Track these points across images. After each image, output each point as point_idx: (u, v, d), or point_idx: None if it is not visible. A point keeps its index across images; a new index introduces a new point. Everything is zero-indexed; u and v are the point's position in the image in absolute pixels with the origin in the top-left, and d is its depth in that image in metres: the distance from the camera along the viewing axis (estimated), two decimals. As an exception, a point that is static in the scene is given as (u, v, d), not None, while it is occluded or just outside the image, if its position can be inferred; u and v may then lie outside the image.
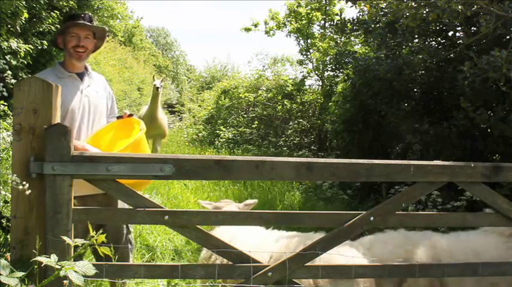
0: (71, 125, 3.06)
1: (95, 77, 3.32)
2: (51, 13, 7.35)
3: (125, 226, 3.36)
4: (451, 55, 5.86)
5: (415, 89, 6.66)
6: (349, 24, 6.87)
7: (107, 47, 15.06)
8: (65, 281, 1.93)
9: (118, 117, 3.35)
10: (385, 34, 6.33)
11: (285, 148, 11.22)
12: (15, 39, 5.74)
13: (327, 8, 12.42)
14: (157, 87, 7.85)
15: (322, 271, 2.43)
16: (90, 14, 3.21)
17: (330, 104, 10.01)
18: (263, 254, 2.69)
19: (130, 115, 3.34)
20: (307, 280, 2.66)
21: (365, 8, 6.42)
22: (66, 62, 3.16)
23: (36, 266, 2.02)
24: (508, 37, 4.99)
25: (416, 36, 6.35)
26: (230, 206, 3.56)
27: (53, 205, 2.16)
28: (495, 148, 5.64)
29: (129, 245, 3.41)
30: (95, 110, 3.23)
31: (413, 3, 4.85)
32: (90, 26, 3.14)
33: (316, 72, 12.45)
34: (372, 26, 6.48)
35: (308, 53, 12.65)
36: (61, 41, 3.13)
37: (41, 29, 7.27)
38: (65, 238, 2.06)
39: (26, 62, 6.41)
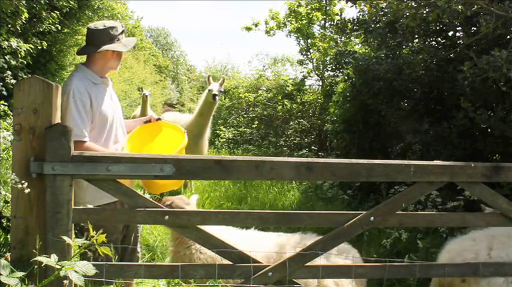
0: (111, 134, 3.05)
1: (109, 80, 3.30)
2: (51, 13, 7.34)
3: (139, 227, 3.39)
4: (451, 55, 5.85)
5: (415, 89, 6.64)
6: (349, 24, 6.84)
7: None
8: (65, 281, 1.93)
9: (146, 122, 3.36)
10: (385, 34, 6.31)
11: (285, 148, 11.21)
12: (16, 39, 5.74)
13: (327, 8, 12.40)
14: (215, 95, 5.36)
15: (322, 271, 2.43)
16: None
17: (330, 104, 10.00)
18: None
19: (158, 119, 3.37)
20: None
21: (365, 8, 6.41)
22: (99, 68, 3.07)
23: (36, 266, 2.02)
24: (508, 37, 4.98)
25: (416, 36, 6.34)
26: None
27: (53, 205, 2.16)
28: (495, 148, 5.63)
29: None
30: (120, 115, 3.24)
31: (413, 3, 4.85)
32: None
33: (316, 72, 12.44)
34: (372, 26, 6.46)
35: (308, 53, 12.64)
36: (112, 52, 3.07)
37: (41, 29, 7.26)
38: (65, 237, 2.06)
39: (26, 62, 6.41)
